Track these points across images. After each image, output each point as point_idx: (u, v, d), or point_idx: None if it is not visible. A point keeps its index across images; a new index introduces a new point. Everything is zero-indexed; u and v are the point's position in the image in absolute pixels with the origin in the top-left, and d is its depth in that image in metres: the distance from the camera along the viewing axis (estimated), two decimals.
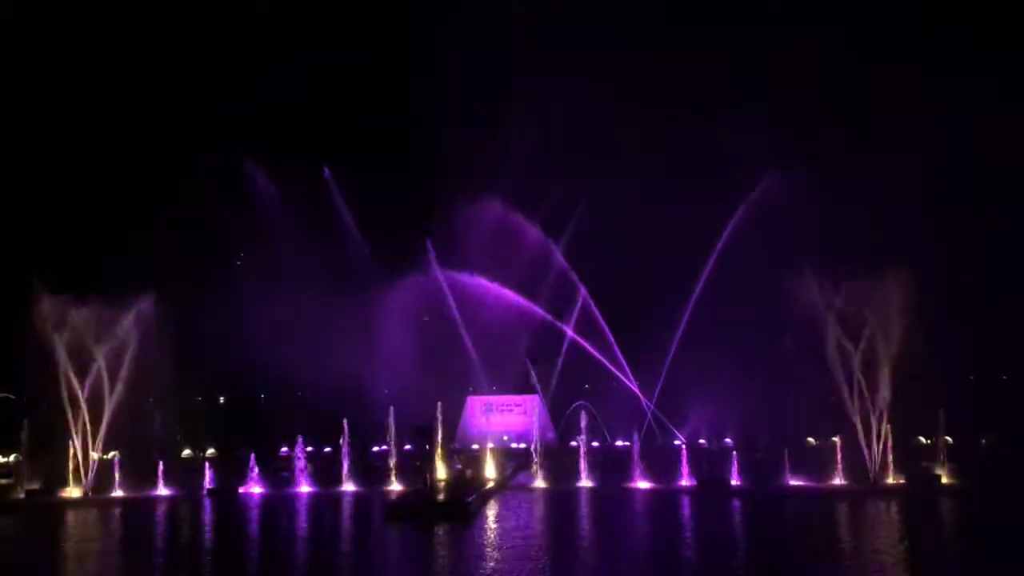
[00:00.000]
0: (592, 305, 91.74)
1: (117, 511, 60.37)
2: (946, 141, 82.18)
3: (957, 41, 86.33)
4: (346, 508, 60.01)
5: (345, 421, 70.34)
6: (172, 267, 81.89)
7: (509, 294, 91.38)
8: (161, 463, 68.52)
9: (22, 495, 65.80)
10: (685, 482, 65.32)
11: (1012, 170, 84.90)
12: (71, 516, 58.49)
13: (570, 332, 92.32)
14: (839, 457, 64.90)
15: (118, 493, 66.66)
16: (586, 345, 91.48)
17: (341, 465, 68.84)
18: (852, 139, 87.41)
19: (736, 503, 57.62)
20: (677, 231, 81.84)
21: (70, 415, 69.38)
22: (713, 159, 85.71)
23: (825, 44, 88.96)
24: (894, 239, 76.92)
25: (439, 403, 72.30)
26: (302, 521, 55.14)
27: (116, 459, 68.75)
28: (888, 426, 64.85)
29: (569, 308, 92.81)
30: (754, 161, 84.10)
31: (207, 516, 57.74)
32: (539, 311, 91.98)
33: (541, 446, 71.97)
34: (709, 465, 69.38)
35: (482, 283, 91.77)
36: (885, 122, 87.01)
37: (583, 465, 68.01)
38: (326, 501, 62.78)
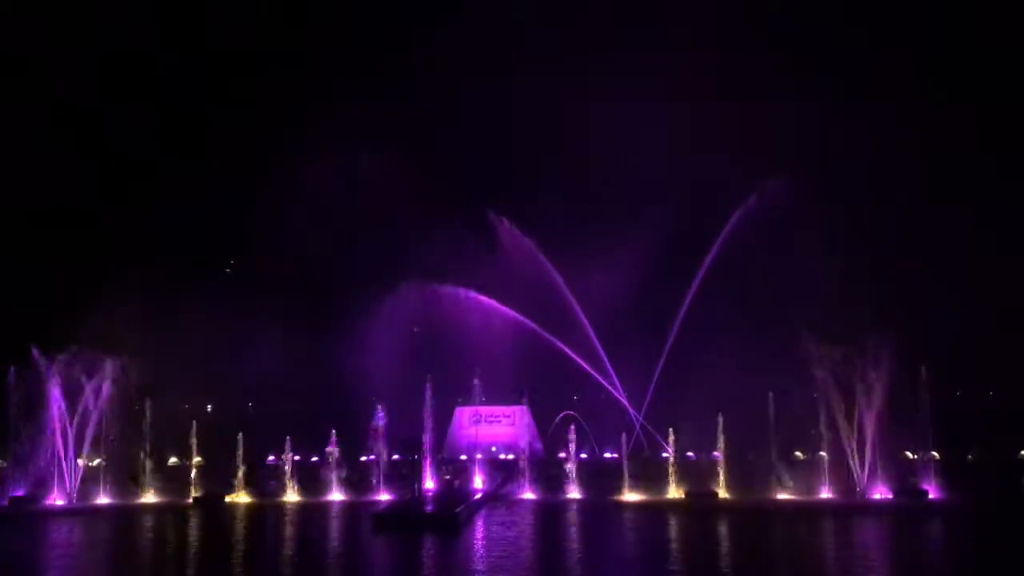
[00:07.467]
0: (582, 317, 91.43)
1: (102, 519, 59.88)
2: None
3: None
4: (333, 518, 59.71)
5: (333, 431, 70.14)
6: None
7: (498, 306, 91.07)
8: (147, 471, 68.05)
9: (5, 502, 65.25)
10: (673, 495, 65.29)
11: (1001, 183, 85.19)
12: (55, 524, 57.86)
13: (559, 343, 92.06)
14: (826, 471, 65.12)
15: (103, 501, 66.16)
16: (575, 357, 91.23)
17: (329, 475, 68.62)
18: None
19: (723, 516, 57.61)
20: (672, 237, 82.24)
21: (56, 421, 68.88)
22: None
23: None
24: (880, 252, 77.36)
25: (427, 414, 72.12)
26: (289, 531, 54.83)
27: (102, 467, 68.21)
28: (875, 440, 65.02)
29: (558, 320, 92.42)
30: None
31: (193, 525, 57.29)
32: (530, 324, 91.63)
33: (529, 457, 71.85)
34: (697, 478, 69.32)
35: (472, 295, 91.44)
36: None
37: (571, 476, 68.01)
38: (313, 511, 62.51)
